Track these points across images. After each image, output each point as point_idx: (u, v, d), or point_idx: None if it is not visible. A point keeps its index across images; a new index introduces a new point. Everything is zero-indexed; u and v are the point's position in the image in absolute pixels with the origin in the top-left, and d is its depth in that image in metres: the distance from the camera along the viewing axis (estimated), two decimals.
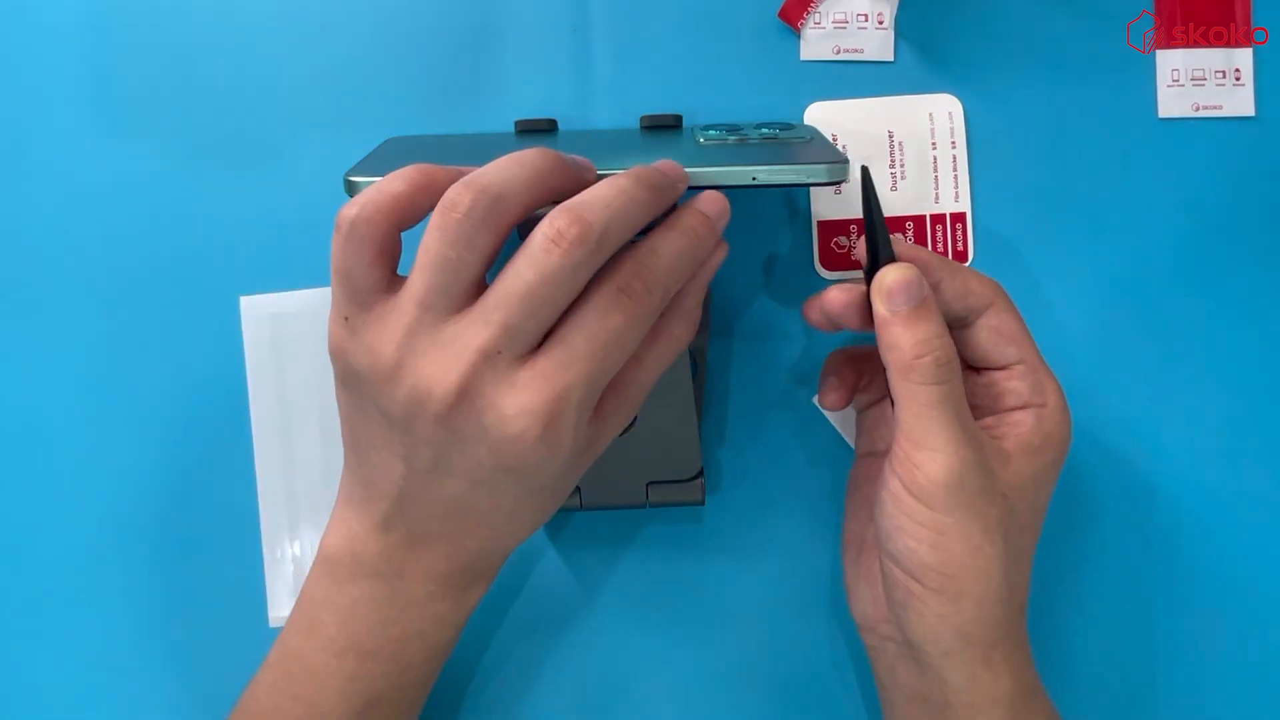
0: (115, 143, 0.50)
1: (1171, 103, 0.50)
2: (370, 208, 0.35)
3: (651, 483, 0.47)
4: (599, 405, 0.37)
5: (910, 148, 0.50)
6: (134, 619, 0.50)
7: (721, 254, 0.40)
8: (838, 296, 0.41)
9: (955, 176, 0.50)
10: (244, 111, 0.50)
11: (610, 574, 0.50)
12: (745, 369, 0.50)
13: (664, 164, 0.38)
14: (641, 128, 0.47)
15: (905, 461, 0.38)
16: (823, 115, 0.50)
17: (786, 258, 0.50)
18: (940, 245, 0.50)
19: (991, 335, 0.41)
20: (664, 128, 0.46)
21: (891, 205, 0.50)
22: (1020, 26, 0.50)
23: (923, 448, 0.38)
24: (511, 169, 0.35)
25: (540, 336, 0.35)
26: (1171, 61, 0.50)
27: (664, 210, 0.38)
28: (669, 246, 0.37)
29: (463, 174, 0.36)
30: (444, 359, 0.35)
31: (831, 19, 0.50)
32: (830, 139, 0.49)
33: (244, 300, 0.49)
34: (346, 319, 0.36)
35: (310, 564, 0.49)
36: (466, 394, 0.35)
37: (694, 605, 0.50)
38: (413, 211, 0.36)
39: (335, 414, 0.41)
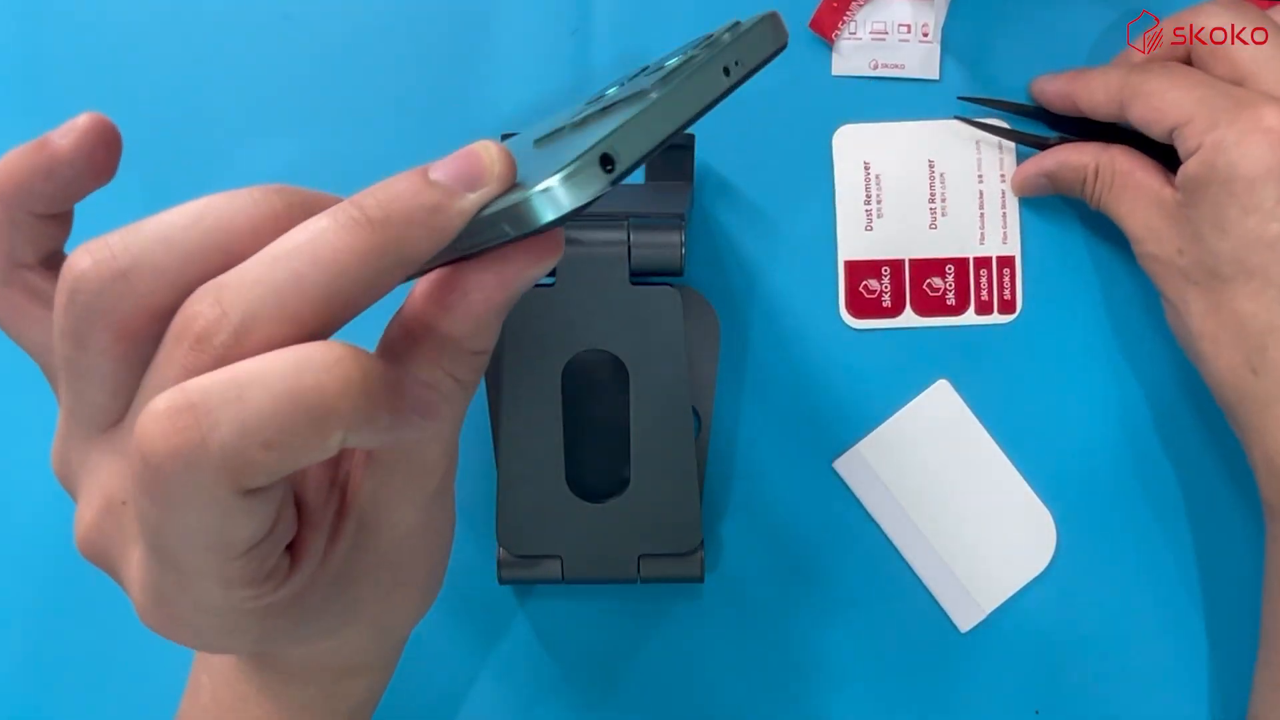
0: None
1: None
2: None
3: (644, 555, 0.44)
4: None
5: (954, 180, 0.47)
6: None
7: (523, 263, 0.26)
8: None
9: (1004, 215, 0.47)
10: (184, 110, 0.47)
11: (593, 656, 0.47)
12: (755, 429, 0.47)
13: (449, 164, 0.25)
14: None
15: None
16: (854, 139, 0.47)
17: (806, 303, 0.47)
18: (984, 293, 0.47)
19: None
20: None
21: (929, 245, 0.47)
22: (1086, 44, 0.47)
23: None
24: (173, 219, 0.25)
25: None
26: None
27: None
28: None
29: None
30: (82, 498, 0.27)
31: (869, 30, 0.47)
32: (863, 166, 0.47)
33: None
34: None
35: None
36: (96, 553, 0.27)
37: (688, 696, 0.47)
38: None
39: None
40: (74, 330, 0.25)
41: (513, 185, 0.25)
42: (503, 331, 0.41)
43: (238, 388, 0.22)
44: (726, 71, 0.27)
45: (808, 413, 0.47)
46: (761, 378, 0.47)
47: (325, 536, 0.28)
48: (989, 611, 0.46)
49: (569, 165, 0.24)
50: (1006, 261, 0.47)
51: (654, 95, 0.26)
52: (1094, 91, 0.43)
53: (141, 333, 0.25)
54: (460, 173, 0.25)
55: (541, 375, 0.42)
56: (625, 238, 0.42)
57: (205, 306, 0.24)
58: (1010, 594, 0.46)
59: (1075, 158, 0.44)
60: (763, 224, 0.46)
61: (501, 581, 0.44)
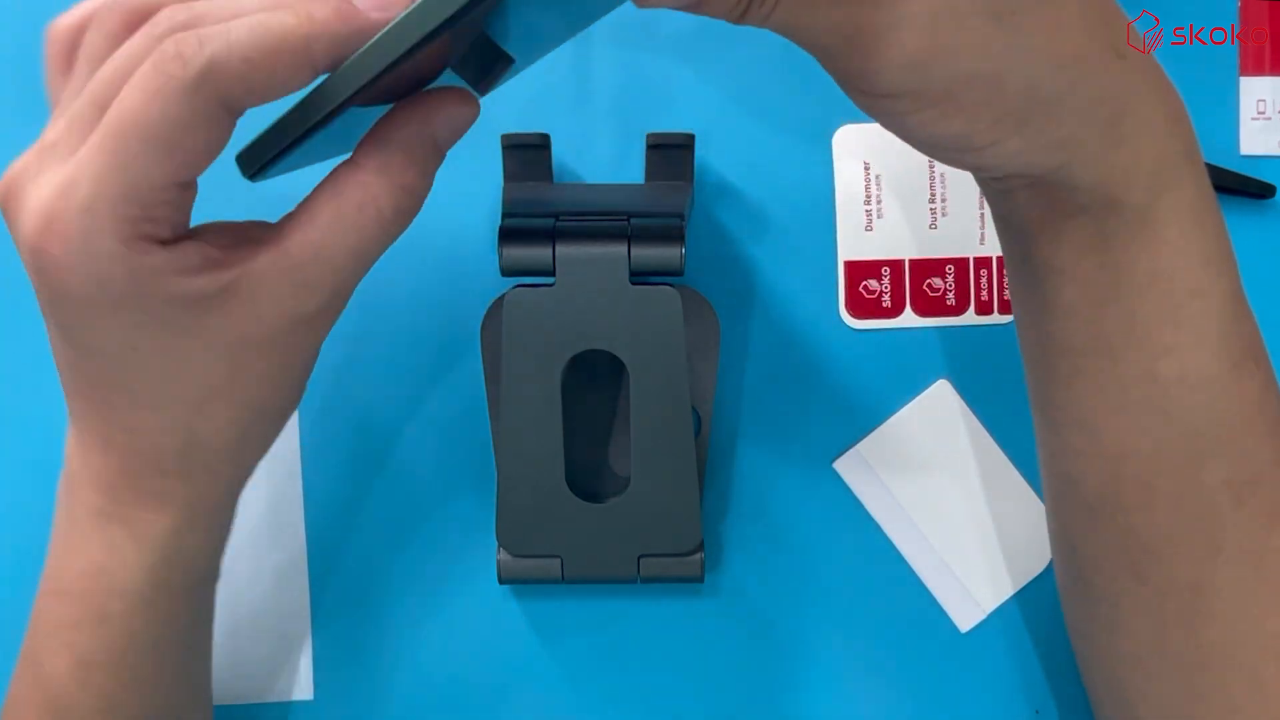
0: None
1: (1256, 138, 0.47)
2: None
3: (644, 555, 0.44)
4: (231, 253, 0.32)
5: (954, 180, 0.47)
6: None
7: (443, 112, 0.32)
8: None
9: None
10: None
11: (593, 656, 0.47)
12: (755, 429, 0.47)
13: None
14: (647, 147, 0.44)
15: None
16: (854, 139, 0.47)
17: (806, 303, 0.47)
18: (984, 293, 0.47)
19: None
20: (671, 146, 0.44)
21: (930, 245, 0.47)
22: None
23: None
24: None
25: None
26: (1258, 90, 0.47)
27: (331, 47, 0.31)
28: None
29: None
30: (18, 160, 0.32)
31: None
32: (863, 166, 0.47)
33: None
34: None
35: None
36: (10, 192, 0.31)
37: (688, 696, 0.47)
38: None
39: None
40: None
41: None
42: (503, 331, 0.42)
43: (224, 27, 0.29)
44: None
45: (808, 413, 0.47)
46: (761, 378, 0.47)
47: (218, 250, 0.31)
48: (989, 611, 0.46)
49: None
50: None
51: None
52: None
53: None
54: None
55: (541, 375, 0.42)
56: (625, 238, 0.42)
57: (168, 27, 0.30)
58: (1010, 594, 0.46)
59: None
60: (763, 224, 0.46)
61: (501, 581, 0.44)
